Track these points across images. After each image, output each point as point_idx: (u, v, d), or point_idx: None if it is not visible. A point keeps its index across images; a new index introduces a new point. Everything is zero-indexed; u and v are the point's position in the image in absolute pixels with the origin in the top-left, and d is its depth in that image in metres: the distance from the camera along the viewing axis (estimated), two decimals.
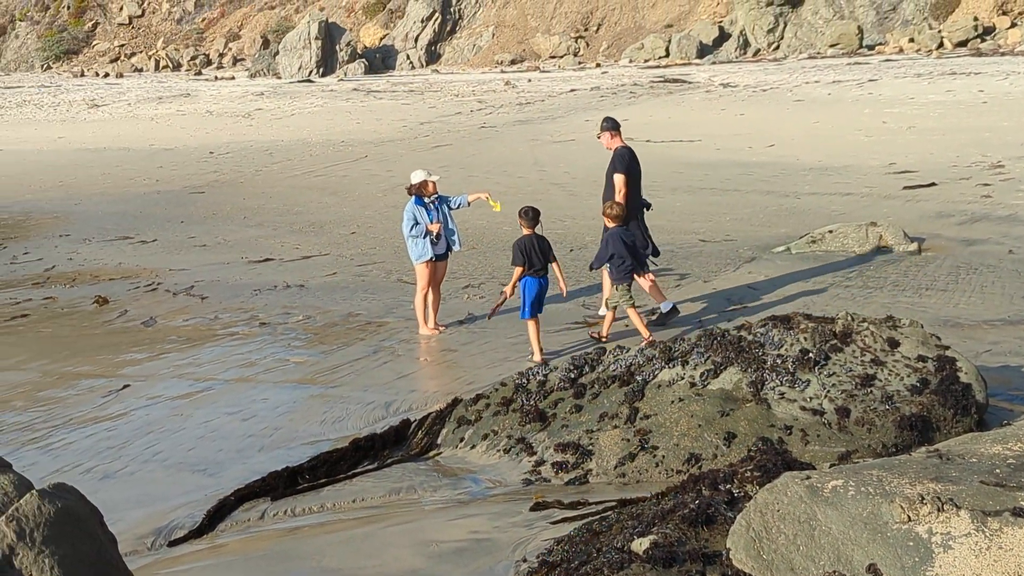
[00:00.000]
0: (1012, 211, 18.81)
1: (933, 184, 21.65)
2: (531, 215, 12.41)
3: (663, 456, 8.63)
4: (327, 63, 65.75)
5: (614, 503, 7.77)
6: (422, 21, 68.71)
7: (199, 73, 73.05)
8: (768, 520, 5.72)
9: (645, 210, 14.02)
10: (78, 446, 10.37)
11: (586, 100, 43.21)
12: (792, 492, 5.73)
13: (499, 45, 66.83)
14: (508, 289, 12.59)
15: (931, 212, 19.15)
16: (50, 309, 15.94)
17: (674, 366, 9.55)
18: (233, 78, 68.01)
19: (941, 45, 53.03)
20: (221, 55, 77.13)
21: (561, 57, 63.16)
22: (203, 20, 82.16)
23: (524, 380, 10.11)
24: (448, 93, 50.20)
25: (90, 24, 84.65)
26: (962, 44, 52.87)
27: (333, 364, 12.52)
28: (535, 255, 12.26)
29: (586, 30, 65.17)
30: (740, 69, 52.42)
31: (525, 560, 7.08)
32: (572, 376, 9.92)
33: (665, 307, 13.15)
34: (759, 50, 58.37)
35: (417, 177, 13.47)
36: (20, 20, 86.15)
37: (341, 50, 66.46)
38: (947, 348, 9.48)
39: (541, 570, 6.68)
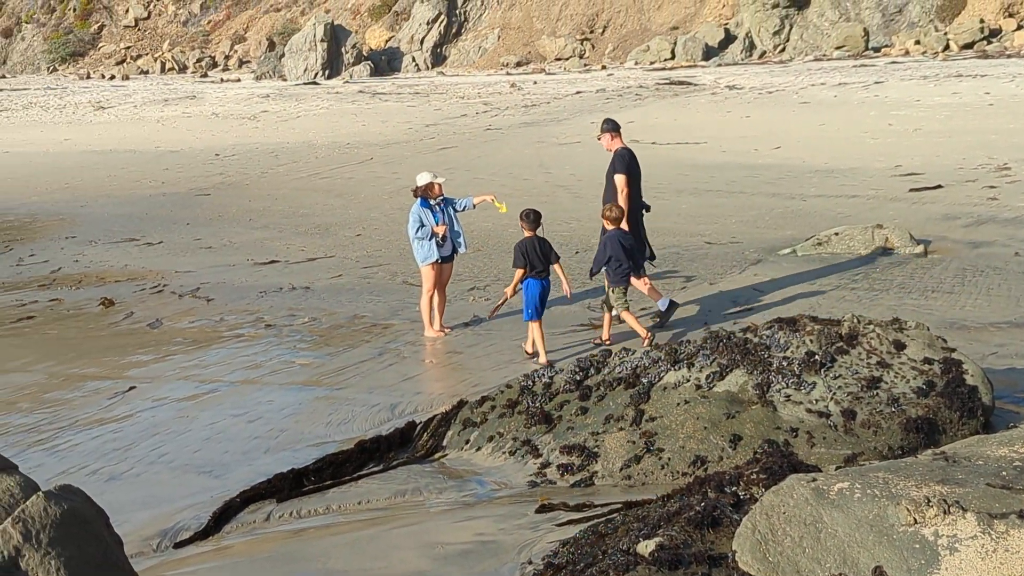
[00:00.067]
0: (1018, 213, 18.78)
1: (939, 186, 21.63)
2: (532, 217, 12.44)
3: (669, 458, 8.62)
4: (333, 65, 65.78)
5: (620, 505, 7.77)
6: (428, 23, 68.73)
7: (205, 75, 73.12)
8: (774, 522, 5.72)
9: (644, 212, 14.04)
10: (84, 448, 10.39)
11: (592, 102, 43.20)
12: (798, 494, 5.72)
13: (504, 47, 66.84)
14: (509, 290, 12.65)
15: (937, 214, 19.13)
16: (56, 311, 15.96)
17: (680, 368, 9.55)
18: (239, 80, 68.07)
19: (947, 47, 52.95)
20: (227, 57, 77.19)
21: (567, 59, 63.15)
22: (209, 22, 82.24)
23: (529, 382, 10.11)
24: (453, 95, 50.20)
25: (96, 26, 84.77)
26: (968, 46, 52.79)
27: (339, 366, 12.52)
28: (536, 257, 12.30)
29: (592, 32, 65.16)
30: (746, 71, 52.37)
31: (530, 562, 7.08)
32: (578, 378, 9.92)
33: (663, 304, 13.13)
34: (765, 52, 58.32)
35: (423, 179, 13.48)
36: (26, 22, 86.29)
37: (347, 52, 66.49)
38: (953, 350, 9.47)
39: (547, 572, 6.68)
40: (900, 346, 9.41)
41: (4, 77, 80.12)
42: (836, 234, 16.87)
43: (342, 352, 13.09)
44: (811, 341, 9.45)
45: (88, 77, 76.29)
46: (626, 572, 5.99)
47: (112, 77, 75.08)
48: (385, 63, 67.76)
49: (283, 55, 68.08)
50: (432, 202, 13.47)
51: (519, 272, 12.35)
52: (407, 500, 8.71)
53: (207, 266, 18.36)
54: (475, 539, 7.72)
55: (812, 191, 22.26)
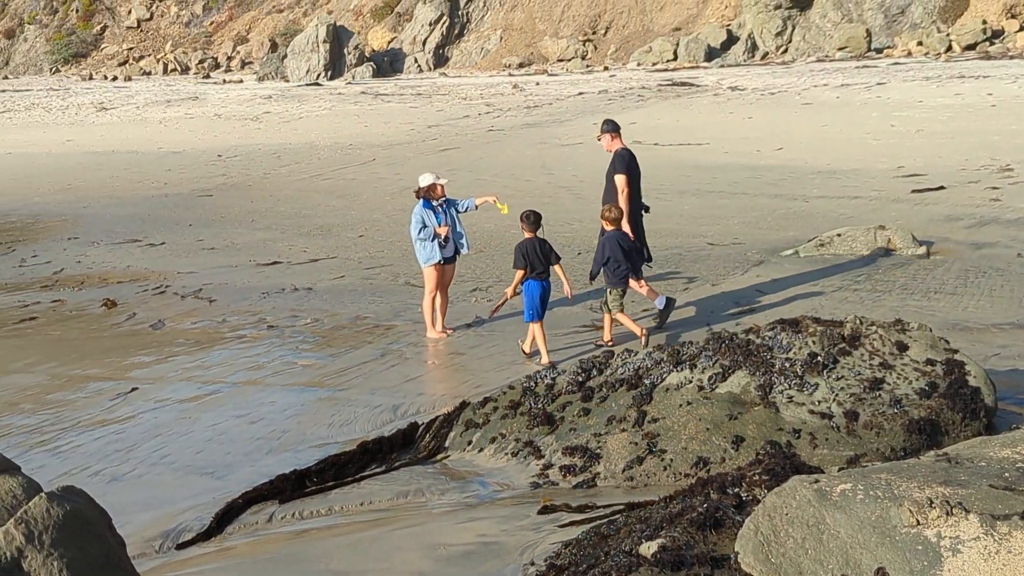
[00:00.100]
0: (1021, 214, 18.77)
1: (942, 188, 21.62)
2: (532, 219, 12.50)
3: (671, 459, 8.62)
4: (335, 66, 65.79)
5: (622, 506, 7.77)
6: (430, 24, 68.74)
7: (207, 76, 73.15)
8: (776, 524, 5.71)
9: (644, 213, 14.05)
10: (86, 449, 10.39)
11: (594, 103, 43.19)
12: (800, 496, 5.72)
13: (507, 48, 66.84)
14: (509, 291, 12.72)
15: (940, 216, 19.12)
16: (58, 312, 15.97)
17: (682, 369, 9.55)
18: (241, 81, 68.10)
19: (949, 48, 52.92)
20: (229, 58, 77.23)
21: (569, 60, 63.15)
22: (211, 23, 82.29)
23: (532, 383, 10.11)
24: (456, 96, 50.21)
25: (98, 27, 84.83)
26: (971, 47, 52.75)
27: (341, 367, 12.53)
28: (536, 258, 12.34)
29: (594, 33, 65.15)
30: (748, 72, 52.36)
31: (533, 563, 7.08)
32: (580, 379, 9.91)
33: (660, 303, 13.13)
34: (767, 53, 58.30)
35: (425, 180, 13.48)
36: (29, 23, 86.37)
37: (349, 53, 66.50)
38: (956, 352, 9.46)
39: (549, 573, 6.68)
40: (903, 347, 9.40)
41: (7, 78, 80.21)
42: (838, 235, 16.87)
43: (344, 353, 13.09)
44: (813, 342, 9.44)
45: (90, 78, 76.34)
46: (628, 573, 5.99)
47: (115, 78, 75.13)
48: (387, 64, 67.77)
49: (285, 56, 68.10)
50: (434, 203, 13.48)
51: (519, 273, 12.40)
52: (409, 501, 8.71)
53: (209, 267, 18.37)
54: (477, 540, 7.72)
55: (814, 192, 22.26)
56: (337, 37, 66.76)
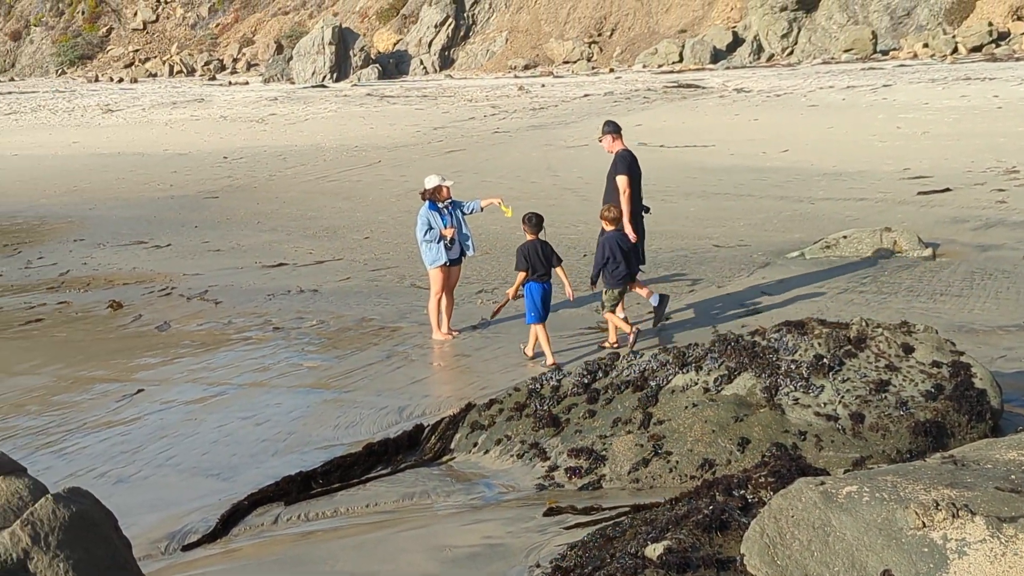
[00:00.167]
0: None
1: (947, 189, 21.60)
2: (534, 221, 12.55)
3: (677, 462, 8.61)
4: (341, 68, 65.86)
5: (628, 508, 7.76)
6: (436, 26, 68.81)
7: (213, 78, 73.26)
8: (782, 526, 5.71)
9: (644, 214, 14.06)
10: (92, 450, 10.40)
11: (600, 105, 43.20)
12: (806, 498, 5.71)
13: (512, 50, 66.87)
14: (511, 292, 12.80)
15: (946, 217, 19.10)
16: (64, 313, 15.99)
17: (688, 371, 9.54)
18: (247, 83, 68.18)
19: (955, 50, 52.89)
20: (235, 60, 77.35)
21: (575, 62, 63.19)
22: (217, 25, 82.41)
23: (538, 385, 10.11)
24: (461, 98, 50.24)
25: (104, 29, 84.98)
26: (977, 49, 52.73)
27: (346, 369, 12.53)
28: (537, 260, 12.39)
29: (600, 35, 65.17)
30: (754, 74, 52.36)
31: (538, 565, 7.08)
32: (586, 381, 9.91)
33: (654, 300, 13.15)
34: (773, 55, 58.30)
35: (431, 182, 13.49)
36: (35, 25, 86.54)
37: (355, 55, 66.58)
38: (962, 354, 9.45)
39: (554, 575, 6.67)
40: (908, 349, 9.39)
41: (13, 80, 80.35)
42: (844, 237, 16.85)
43: (350, 355, 13.09)
44: (819, 344, 9.44)
45: (96, 80, 76.48)
46: (634, 575, 5.99)
47: (120, 80, 75.26)
48: (393, 66, 67.85)
49: (291, 58, 68.20)
50: (440, 205, 13.48)
51: (521, 274, 12.45)
52: (415, 503, 8.71)
53: (215, 269, 18.39)
54: (483, 542, 7.72)
55: (820, 194, 22.24)
56: (343, 39, 66.84)
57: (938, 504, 5.34)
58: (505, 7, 69.31)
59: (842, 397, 8.87)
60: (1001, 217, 18.85)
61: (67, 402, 11.92)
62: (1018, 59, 49.37)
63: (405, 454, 9.73)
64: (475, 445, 9.66)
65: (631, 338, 12.15)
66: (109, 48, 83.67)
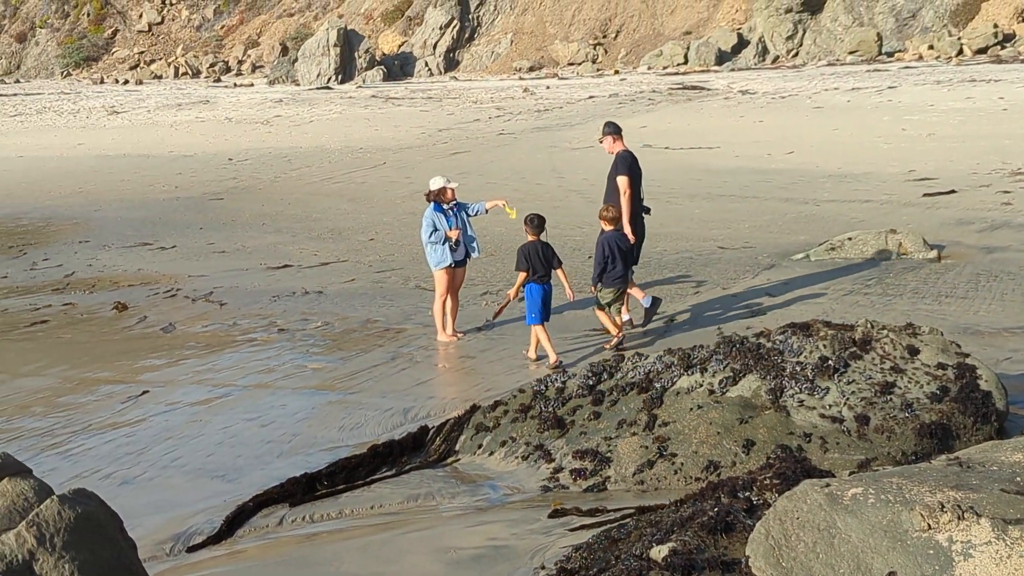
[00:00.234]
0: None
1: (953, 191, 21.58)
2: (536, 222, 12.59)
3: (682, 463, 8.61)
4: (346, 70, 65.93)
5: (632, 510, 7.76)
6: (440, 28, 68.85)
7: (218, 80, 73.35)
8: (787, 528, 5.70)
9: (645, 214, 14.07)
10: (97, 452, 10.41)
11: (604, 107, 43.19)
12: (811, 500, 5.71)
13: (517, 52, 66.89)
14: (512, 292, 12.83)
15: (951, 219, 19.08)
16: (70, 315, 16.00)
17: (693, 373, 9.54)
18: (252, 85, 68.26)
19: (961, 52, 52.83)
20: (240, 62, 77.44)
21: (579, 64, 63.20)
22: (222, 27, 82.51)
23: (542, 387, 10.10)
24: (466, 100, 50.26)
25: (110, 31, 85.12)
26: (982, 51, 52.67)
27: (351, 370, 12.54)
28: (538, 261, 12.41)
29: (604, 37, 65.19)
30: (759, 76, 52.33)
31: (543, 567, 7.07)
32: (590, 383, 9.91)
33: (646, 302, 13.16)
34: (778, 57, 58.27)
35: (436, 183, 13.50)
36: (40, 27, 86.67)
37: (360, 57, 66.64)
38: (967, 356, 9.44)
39: None
40: (914, 351, 9.38)
41: (18, 82, 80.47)
42: (849, 239, 16.84)
43: (355, 356, 13.10)
44: (824, 346, 9.43)
45: (102, 82, 76.60)
46: None
47: (126, 82, 75.37)
48: (398, 68, 67.90)
49: (296, 60, 68.28)
50: (445, 207, 13.49)
51: (521, 275, 12.48)
52: (420, 505, 8.71)
53: (220, 270, 18.40)
54: (488, 544, 7.72)
55: (825, 196, 22.23)
56: (348, 41, 66.91)
57: (943, 506, 5.33)
58: (510, 9, 69.35)
59: (847, 399, 8.87)
60: (1007, 219, 18.83)
61: (72, 403, 11.93)
62: (1023, 61, 49.31)
63: (410, 456, 9.74)
64: (480, 447, 9.66)
65: (614, 340, 12.23)
66: (114, 50, 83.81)
